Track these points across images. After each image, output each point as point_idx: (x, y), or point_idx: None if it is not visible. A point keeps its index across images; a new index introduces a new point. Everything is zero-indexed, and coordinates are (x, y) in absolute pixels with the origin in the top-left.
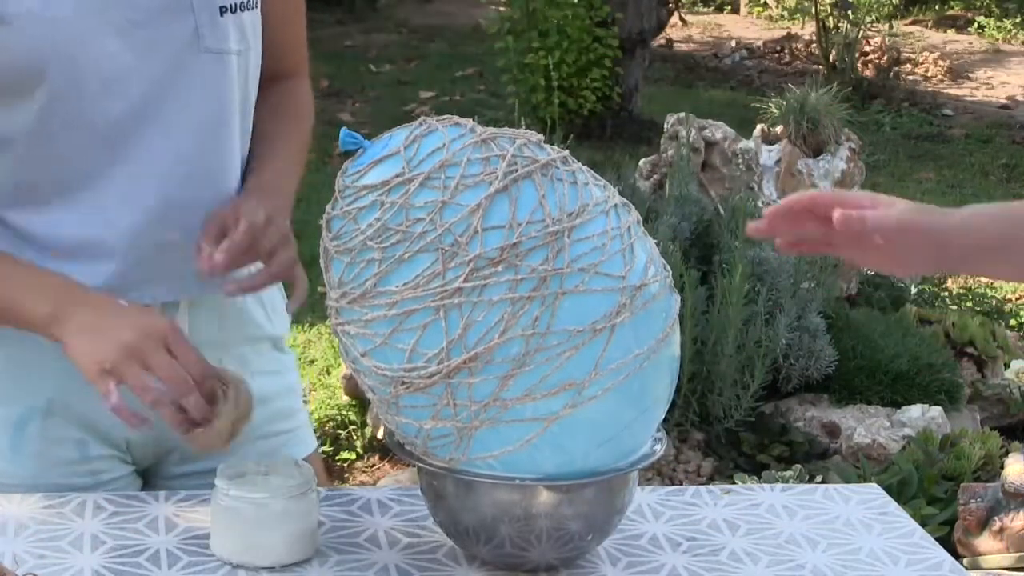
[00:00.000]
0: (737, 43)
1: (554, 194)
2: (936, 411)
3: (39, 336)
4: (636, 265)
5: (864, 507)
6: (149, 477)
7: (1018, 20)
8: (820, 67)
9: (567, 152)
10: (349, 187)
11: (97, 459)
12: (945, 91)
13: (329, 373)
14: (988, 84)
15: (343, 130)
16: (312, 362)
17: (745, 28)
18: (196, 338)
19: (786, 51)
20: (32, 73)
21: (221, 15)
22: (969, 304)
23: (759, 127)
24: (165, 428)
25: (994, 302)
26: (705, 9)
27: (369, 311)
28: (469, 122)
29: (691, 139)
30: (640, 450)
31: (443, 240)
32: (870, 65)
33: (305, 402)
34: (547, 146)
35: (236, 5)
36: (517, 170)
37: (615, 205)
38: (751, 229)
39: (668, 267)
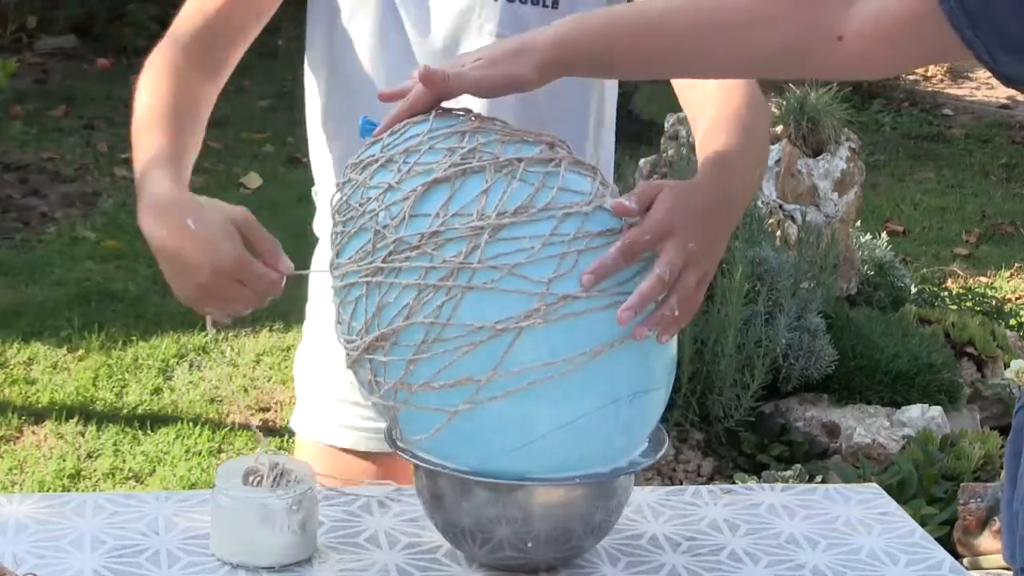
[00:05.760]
0: None
1: (498, 192)
2: (936, 411)
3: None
4: (572, 276)
5: (864, 507)
6: None
7: None
8: None
9: (565, 152)
10: (347, 165)
11: None
12: (945, 91)
13: None
14: (988, 84)
15: (363, 117)
16: None
17: None
18: None
19: None
20: None
21: None
22: (969, 304)
23: None
24: None
25: (994, 302)
26: None
27: (336, 280)
28: (468, 115)
29: (691, 139)
30: (623, 456)
31: (378, 220)
32: None
33: None
34: (539, 145)
35: None
36: (471, 163)
37: (584, 213)
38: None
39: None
